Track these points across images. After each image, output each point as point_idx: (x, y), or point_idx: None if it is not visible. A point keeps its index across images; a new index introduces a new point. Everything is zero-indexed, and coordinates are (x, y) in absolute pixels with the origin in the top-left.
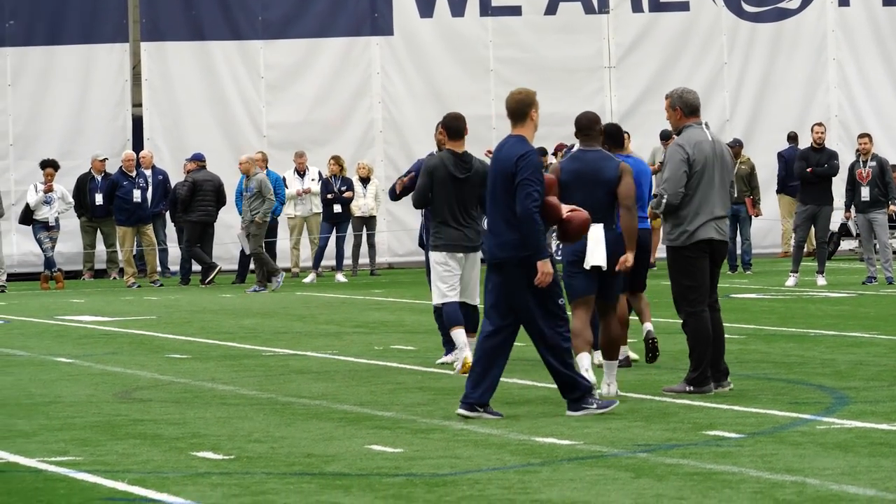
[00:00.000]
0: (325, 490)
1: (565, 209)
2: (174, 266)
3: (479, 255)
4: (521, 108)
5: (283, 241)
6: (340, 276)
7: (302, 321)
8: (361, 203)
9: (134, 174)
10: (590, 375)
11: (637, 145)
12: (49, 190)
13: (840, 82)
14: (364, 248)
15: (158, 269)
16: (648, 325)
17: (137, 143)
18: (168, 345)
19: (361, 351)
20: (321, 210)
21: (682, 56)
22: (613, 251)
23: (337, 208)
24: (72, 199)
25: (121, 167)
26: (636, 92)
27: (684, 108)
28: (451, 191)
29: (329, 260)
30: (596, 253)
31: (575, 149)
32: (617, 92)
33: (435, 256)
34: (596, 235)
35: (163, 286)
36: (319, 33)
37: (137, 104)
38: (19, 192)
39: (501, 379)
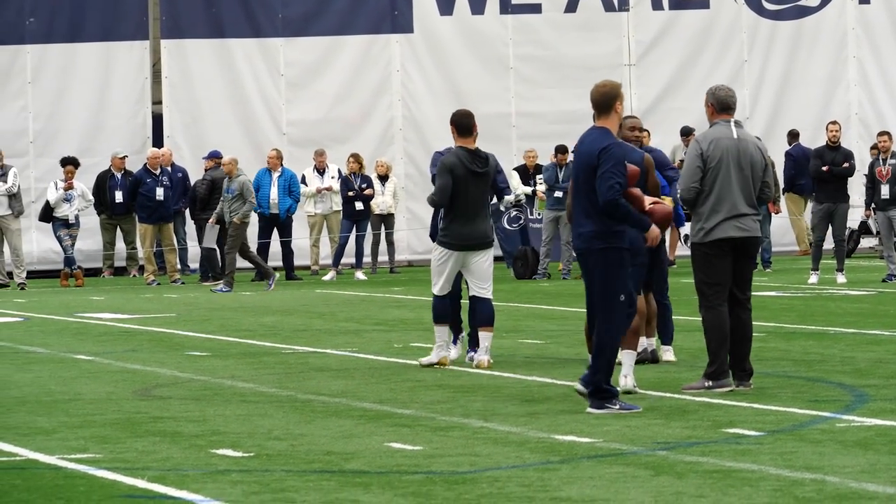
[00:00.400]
0: (344, 488)
1: (648, 201)
2: (193, 264)
3: (492, 249)
4: (605, 101)
5: (302, 240)
6: (360, 274)
7: (322, 319)
8: (380, 201)
9: (158, 172)
10: (629, 382)
11: (657, 143)
12: (69, 187)
13: (860, 80)
14: (383, 245)
15: (178, 267)
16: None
17: (157, 141)
18: (188, 342)
19: (381, 349)
20: (341, 208)
21: (702, 54)
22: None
23: (358, 206)
24: (91, 197)
25: (145, 164)
26: (656, 90)
27: (716, 105)
28: (470, 187)
29: (349, 258)
30: None
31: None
32: (637, 90)
33: (438, 250)
34: None
35: (184, 284)
36: (339, 31)
37: (157, 102)
38: (39, 190)
39: (521, 377)
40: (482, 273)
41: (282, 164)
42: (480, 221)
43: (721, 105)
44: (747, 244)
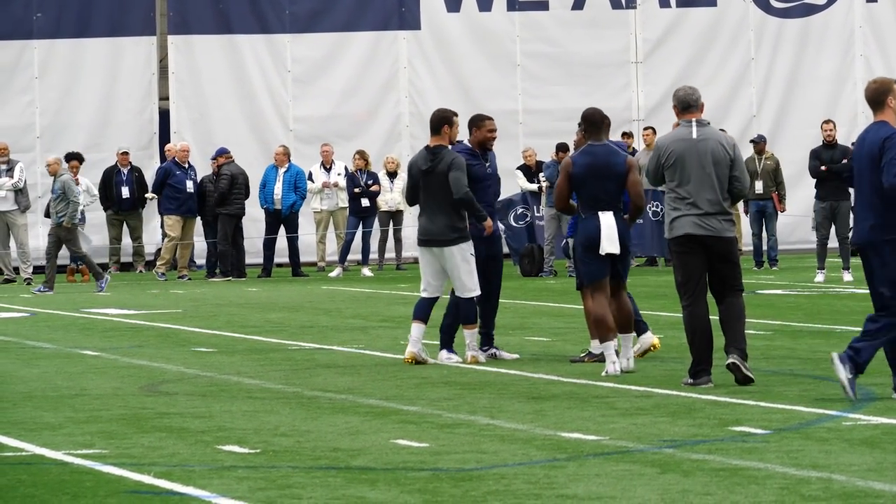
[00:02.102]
0: (350, 484)
1: None
2: (200, 260)
3: (459, 247)
4: (877, 97)
5: (309, 236)
6: (366, 271)
7: (328, 315)
8: (388, 197)
9: (186, 165)
10: (618, 367)
11: None
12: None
13: (867, 78)
14: (390, 242)
15: (188, 264)
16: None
17: (164, 137)
18: (194, 338)
19: (387, 345)
20: (347, 204)
21: (709, 51)
22: (621, 236)
23: (364, 202)
24: (96, 192)
25: (174, 157)
26: (663, 87)
27: (678, 105)
28: (423, 185)
29: (355, 254)
30: (611, 241)
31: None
32: (644, 87)
33: (418, 251)
34: (608, 223)
35: (190, 280)
36: (347, 27)
37: (164, 98)
38: (45, 185)
39: (527, 374)
40: (452, 274)
41: (289, 161)
42: (442, 217)
43: (682, 105)
44: (717, 245)
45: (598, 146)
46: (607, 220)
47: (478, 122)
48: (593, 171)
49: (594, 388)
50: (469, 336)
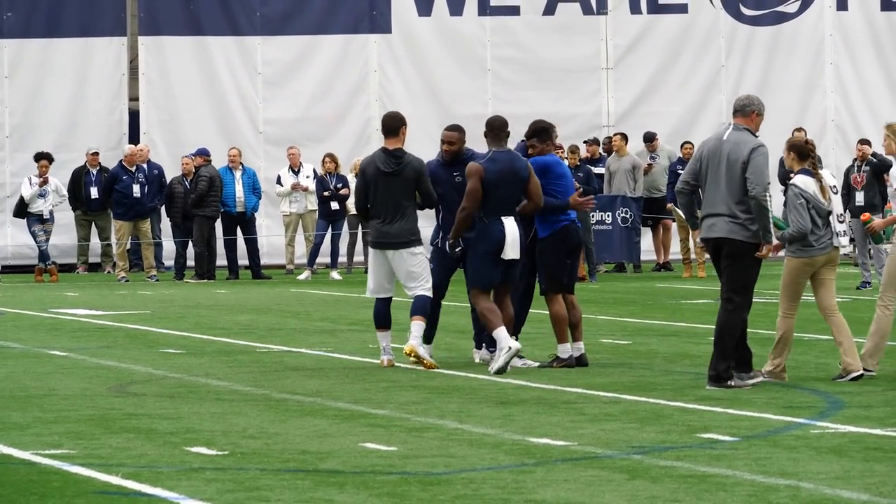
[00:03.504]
0: (319, 487)
1: None
2: (168, 261)
3: (413, 249)
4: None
5: (277, 238)
6: (335, 274)
7: (297, 318)
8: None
9: (133, 169)
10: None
11: (633, 146)
12: (44, 183)
13: (837, 87)
14: (359, 245)
15: (154, 264)
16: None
17: (134, 138)
18: (162, 339)
19: (356, 348)
20: (316, 207)
21: (679, 58)
22: (521, 243)
23: (334, 206)
24: (65, 192)
25: (121, 161)
26: (634, 93)
27: (733, 108)
28: (381, 187)
29: (324, 257)
30: (513, 247)
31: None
32: (615, 93)
33: (370, 252)
34: (512, 229)
35: (159, 281)
36: (317, 30)
37: (134, 98)
38: (14, 185)
39: (496, 379)
40: (405, 274)
41: (241, 164)
42: (399, 220)
43: (733, 108)
44: (720, 245)
45: (502, 153)
46: (511, 226)
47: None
48: (502, 176)
49: (563, 394)
50: (416, 328)
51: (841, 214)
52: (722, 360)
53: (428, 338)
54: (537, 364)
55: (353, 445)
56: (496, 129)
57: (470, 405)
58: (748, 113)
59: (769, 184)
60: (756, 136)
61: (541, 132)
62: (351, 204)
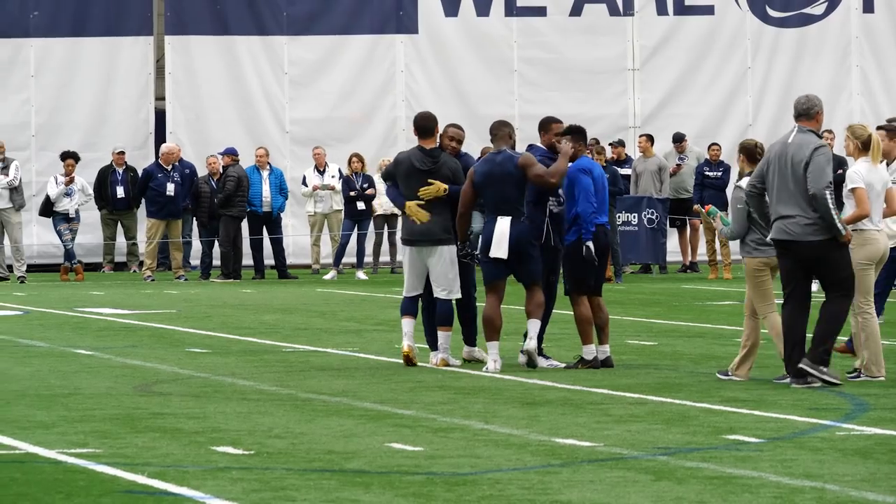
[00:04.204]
0: (344, 487)
1: None
2: (195, 261)
3: (447, 248)
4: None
5: (303, 238)
6: (361, 274)
7: (322, 318)
8: (384, 201)
9: (169, 168)
10: (496, 364)
11: (660, 148)
12: (70, 182)
13: (863, 89)
14: (385, 245)
15: (182, 264)
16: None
17: (160, 137)
18: (188, 339)
19: (382, 349)
20: (342, 207)
21: (705, 60)
22: (517, 241)
23: (360, 206)
24: (91, 192)
25: (156, 160)
26: (660, 95)
27: (794, 112)
28: (413, 184)
29: (350, 257)
30: (499, 245)
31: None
32: (640, 94)
33: (403, 250)
34: (501, 228)
35: (186, 280)
36: (344, 30)
37: (160, 98)
38: (40, 184)
39: (522, 379)
40: (437, 274)
41: (269, 163)
42: (435, 217)
43: (795, 111)
44: (798, 248)
45: (496, 154)
46: (502, 225)
47: (546, 125)
48: (491, 178)
49: (588, 395)
50: (443, 338)
51: None
52: (821, 344)
53: (469, 339)
54: (563, 365)
55: (378, 445)
56: (491, 131)
57: (496, 406)
58: (813, 115)
59: (831, 183)
60: (820, 137)
61: (576, 132)
62: (377, 204)
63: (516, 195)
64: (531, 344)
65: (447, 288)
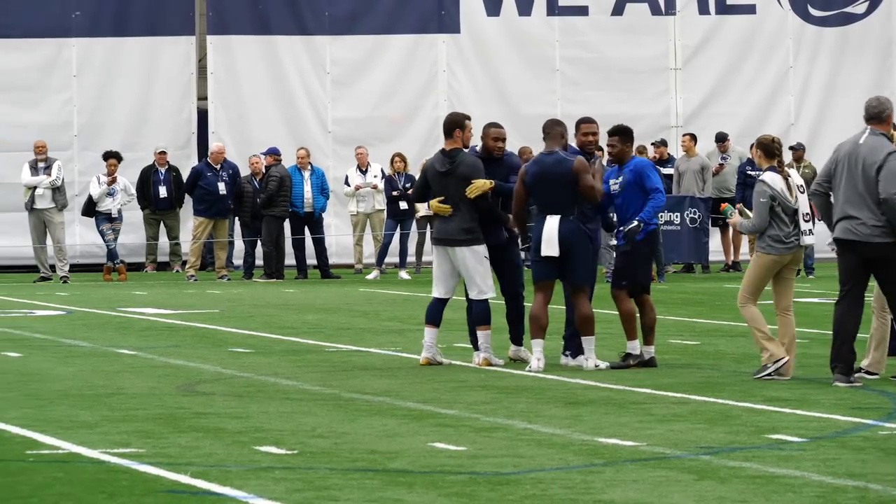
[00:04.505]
0: (388, 487)
1: None
2: (238, 260)
3: (472, 248)
4: None
5: (346, 237)
6: (404, 274)
7: (365, 318)
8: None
9: (218, 167)
10: (539, 363)
11: (701, 147)
12: (112, 181)
13: None
14: (428, 245)
15: (225, 264)
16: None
17: (202, 137)
18: (231, 339)
19: None
20: (384, 207)
21: (747, 59)
22: (567, 240)
23: (402, 205)
24: (133, 191)
25: (206, 159)
26: (701, 94)
27: (865, 115)
28: (437, 186)
29: (393, 257)
30: (549, 243)
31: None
32: (682, 94)
33: (433, 250)
34: (550, 226)
35: (230, 280)
36: (386, 30)
37: (203, 97)
38: (83, 184)
39: (564, 378)
40: (466, 274)
41: (310, 163)
42: (455, 218)
43: (866, 114)
44: (863, 249)
45: (547, 155)
46: (551, 223)
47: (577, 125)
48: (541, 178)
49: (631, 394)
50: (483, 338)
51: (807, 213)
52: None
53: (515, 338)
54: (607, 364)
55: (421, 445)
56: (545, 130)
57: (538, 405)
58: (885, 118)
59: None
60: (891, 141)
61: (623, 132)
62: (419, 204)
63: (566, 196)
64: (590, 364)
65: (476, 287)
